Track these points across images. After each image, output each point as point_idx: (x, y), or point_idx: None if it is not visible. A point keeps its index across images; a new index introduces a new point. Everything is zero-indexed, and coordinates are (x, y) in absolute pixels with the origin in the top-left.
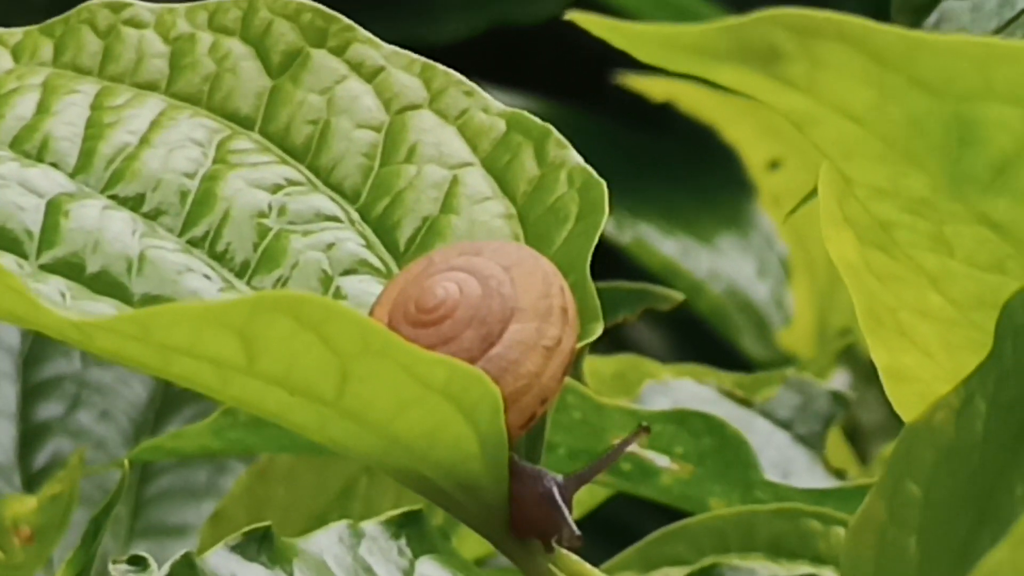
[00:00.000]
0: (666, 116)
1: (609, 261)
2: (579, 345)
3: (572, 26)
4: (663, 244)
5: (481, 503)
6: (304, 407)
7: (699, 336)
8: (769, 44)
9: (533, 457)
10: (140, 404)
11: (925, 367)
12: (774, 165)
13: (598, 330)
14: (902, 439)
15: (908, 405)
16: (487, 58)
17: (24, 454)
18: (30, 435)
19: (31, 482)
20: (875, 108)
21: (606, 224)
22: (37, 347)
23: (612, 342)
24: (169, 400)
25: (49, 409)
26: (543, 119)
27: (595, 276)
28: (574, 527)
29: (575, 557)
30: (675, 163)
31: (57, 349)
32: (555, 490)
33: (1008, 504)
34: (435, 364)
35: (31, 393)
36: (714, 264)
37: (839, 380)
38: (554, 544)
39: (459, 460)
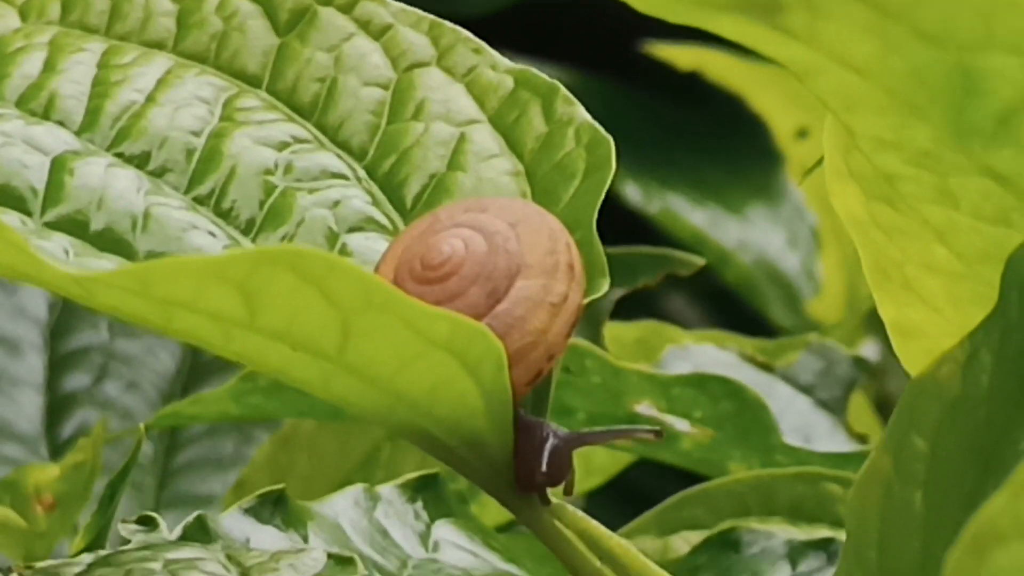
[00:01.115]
0: (696, 87)
1: (637, 231)
2: (586, 301)
3: None
4: (692, 214)
5: (486, 459)
6: (306, 363)
7: (730, 308)
8: None
9: (539, 413)
10: (167, 375)
11: (932, 322)
12: (802, 134)
13: (604, 286)
14: (907, 393)
15: (915, 361)
16: (515, 31)
17: (51, 425)
18: (57, 406)
19: (58, 453)
20: (877, 59)
21: (634, 194)
22: (64, 318)
23: (641, 313)
24: (196, 371)
25: (76, 380)
26: (572, 91)
27: (622, 244)
28: (572, 472)
29: (581, 514)
30: (705, 134)
31: (84, 320)
32: (557, 440)
33: (1013, 456)
34: (437, 319)
35: (58, 364)
36: (744, 234)
37: (868, 349)
38: (551, 497)
39: (463, 416)
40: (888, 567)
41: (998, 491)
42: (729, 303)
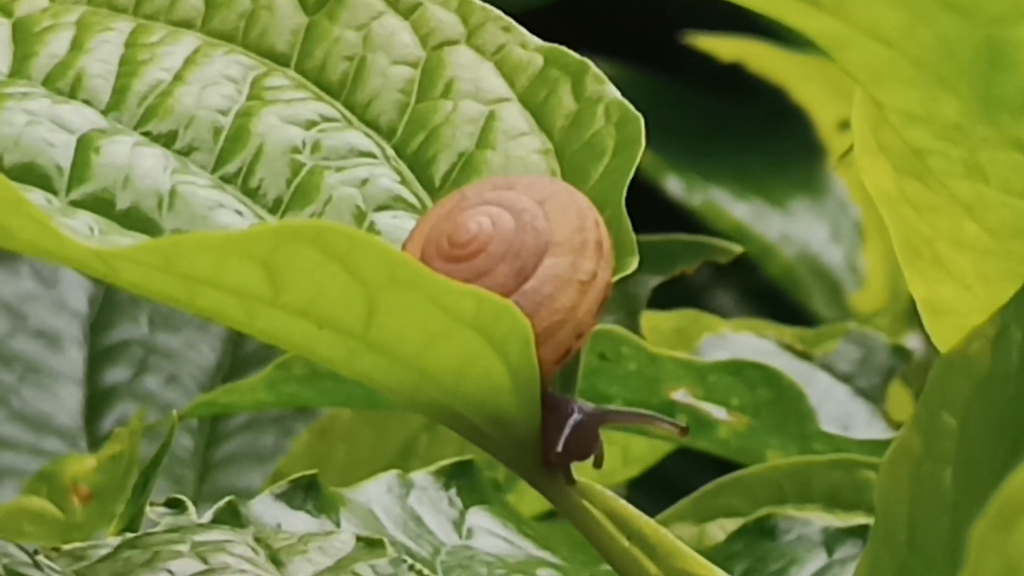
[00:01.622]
0: (738, 79)
1: (679, 224)
2: (614, 279)
3: None
4: (734, 207)
5: (513, 438)
6: (332, 340)
7: (773, 302)
8: None
9: (567, 392)
10: (208, 368)
11: (962, 299)
12: (844, 126)
13: (633, 264)
14: (937, 371)
15: (946, 339)
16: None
17: (91, 418)
18: (97, 399)
19: (97, 446)
20: (905, 30)
21: (676, 187)
22: (104, 312)
23: (682, 307)
24: (237, 364)
25: (116, 374)
26: (617, 84)
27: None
28: (601, 445)
29: (609, 494)
30: (748, 126)
31: (124, 314)
32: (581, 415)
33: None
34: (464, 295)
35: (98, 358)
36: (786, 228)
37: (911, 341)
38: (579, 477)
39: (490, 394)
40: (918, 545)
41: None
42: (772, 297)
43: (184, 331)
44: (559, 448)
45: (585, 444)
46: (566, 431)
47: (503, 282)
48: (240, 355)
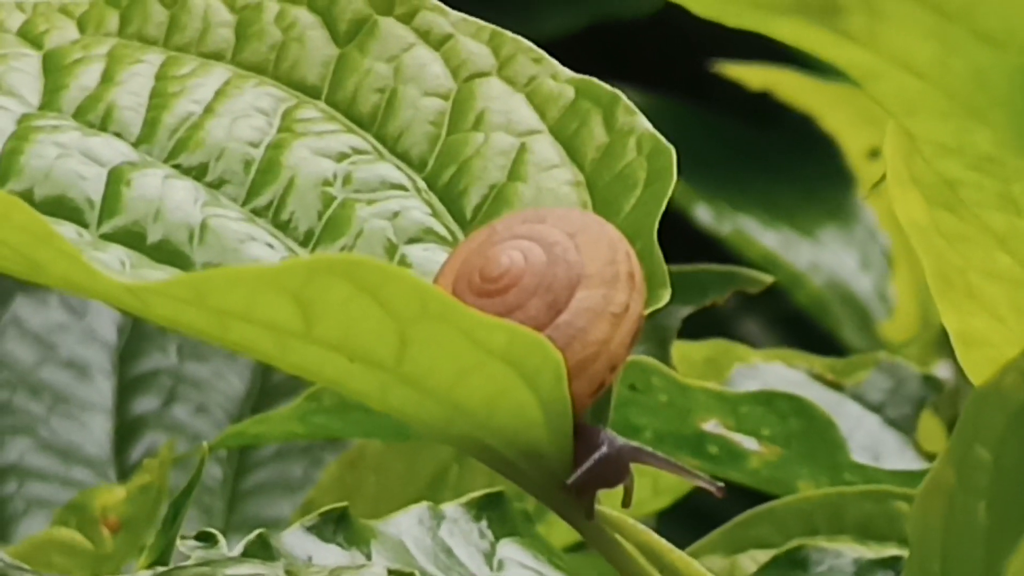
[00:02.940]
0: (769, 108)
1: (708, 253)
2: (647, 312)
3: (673, 20)
4: (764, 236)
5: (545, 471)
6: (364, 374)
7: (802, 331)
8: None
9: (599, 424)
10: (236, 398)
11: (995, 331)
12: (874, 154)
13: (666, 297)
14: (971, 403)
15: (979, 370)
16: (586, 52)
17: (120, 448)
18: (126, 429)
19: (126, 476)
20: (937, 61)
21: (705, 215)
22: (133, 342)
23: (713, 336)
24: (266, 394)
25: (145, 403)
26: (644, 112)
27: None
28: (631, 477)
29: (641, 527)
30: (777, 154)
31: (153, 343)
32: (610, 449)
33: None
34: (495, 329)
35: (127, 387)
36: (816, 256)
37: (941, 370)
38: (606, 510)
39: (522, 428)
40: None
41: None
42: (801, 326)
43: (213, 361)
44: (580, 476)
45: (611, 476)
46: (590, 462)
47: (536, 316)
48: (269, 385)
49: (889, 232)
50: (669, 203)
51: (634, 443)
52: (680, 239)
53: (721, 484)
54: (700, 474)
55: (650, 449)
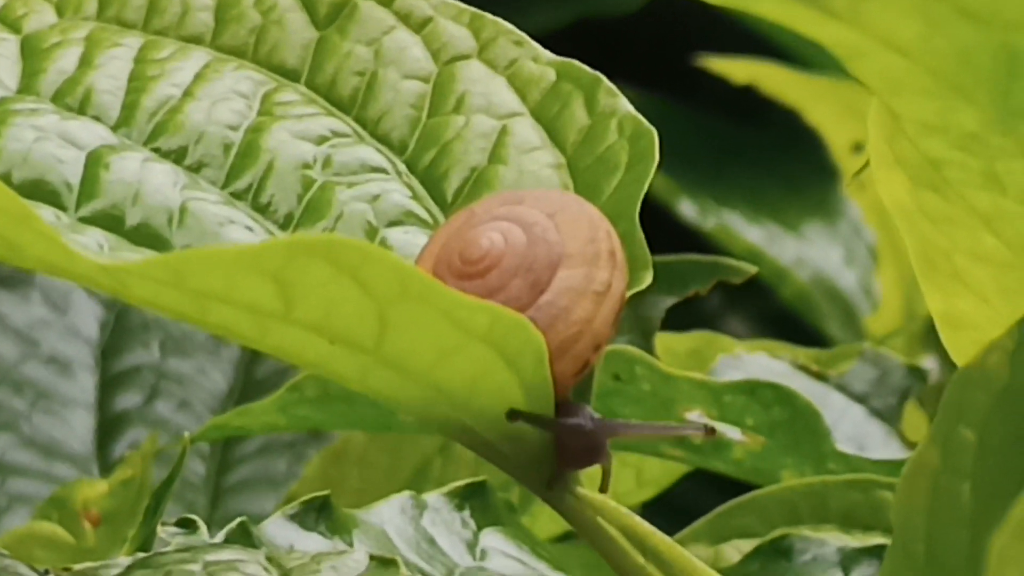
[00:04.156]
0: (753, 103)
1: (693, 248)
2: (629, 293)
3: (658, 15)
4: (748, 231)
5: (527, 454)
6: (344, 356)
7: (787, 326)
8: None
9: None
10: (219, 394)
11: (980, 312)
12: (858, 148)
13: (648, 279)
14: (955, 384)
15: (964, 352)
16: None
17: (102, 444)
18: (108, 425)
19: (109, 472)
20: (921, 39)
21: (689, 210)
22: (116, 338)
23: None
24: (248, 389)
25: (127, 399)
26: None
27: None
28: (609, 458)
29: (624, 510)
30: (761, 149)
31: (136, 340)
32: (589, 424)
33: None
34: (477, 310)
35: (109, 383)
36: (800, 251)
37: (928, 364)
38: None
39: (503, 410)
40: (936, 560)
41: None
42: (786, 321)
43: (195, 356)
44: (560, 452)
45: (592, 452)
46: (569, 438)
47: (518, 296)
48: (252, 380)
49: (874, 226)
50: (653, 198)
51: (612, 420)
52: (664, 234)
53: (711, 426)
54: (678, 425)
55: (624, 421)
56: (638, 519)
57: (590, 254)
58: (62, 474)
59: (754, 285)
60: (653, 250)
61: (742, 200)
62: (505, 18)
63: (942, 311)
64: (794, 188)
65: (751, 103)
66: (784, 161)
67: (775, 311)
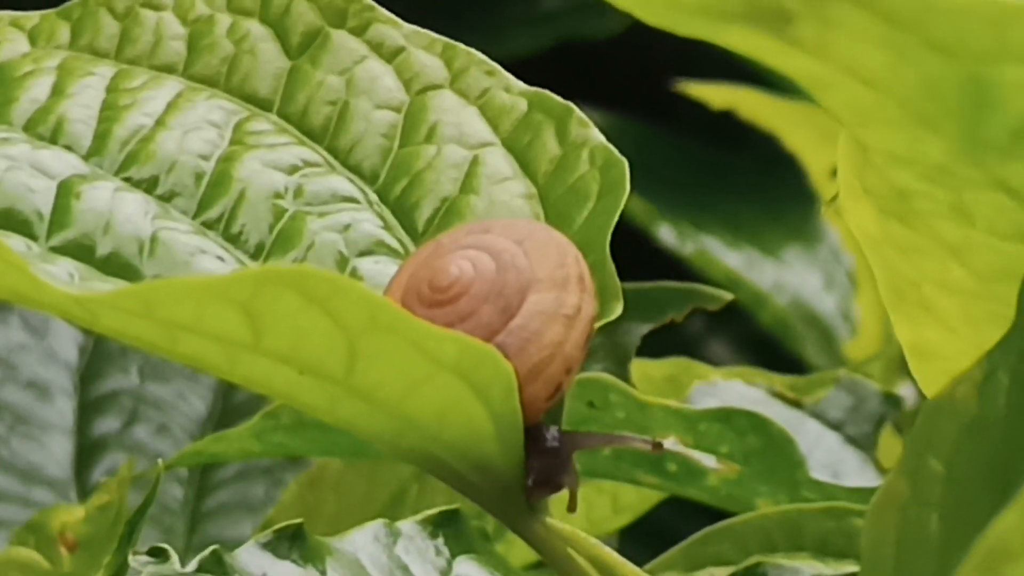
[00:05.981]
0: (732, 128)
1: (671, 273)
2: (599, 324)
3: (637, 40)
4: (727, 256)
5: (497, 484)
6: (313, 386)
7: (766, 351)
8: (778, 5)
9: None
10: (198, 419)
11: (949, 342)
12: (836, 173)
13: (618, 309)
14: (924, 415)
15: (932, 382)
16: (552, 74)
17: (81, 469)
18: (87, 450)
19: (87, 497)
20: (889, 70)
21: (668, 235)
22: (94, 362)
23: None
24: (227, 415)
25: (106, 424)
26: (607, 132)
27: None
28: (575, 477)
29: (594, 541)
30: (739, 174)
31: (114, 364)
32: (558, 442)
33: None
34: (445, 340)
35: (88, 408)
36: (779, 276)
37: (905, 390)
38: (552, 523)
39: (473, 441)
40: None
41: (1009, 508)
42: (765, 346)
43: (174, 382)
44: (531, 477)
45: (560, 470)
46: (538, 458)
47: (489, 322)
48: (230, 406)
49: (853, 251)
50: (632, 223)
51: (570, 433)
52: (643, 259)
53: (658, 442)
54: (635, 436)
55: (585, 432)
56: (607, 549)
57: (559, 278)
58: (40, 499)
59: (733, 310)
60: (631, 275)
61: (721, 225)
62: (484, 43)
63: (911, 341)
64: (773, 213)
65: (730, 128)
66: (763, 186)
67: (754, 336)
